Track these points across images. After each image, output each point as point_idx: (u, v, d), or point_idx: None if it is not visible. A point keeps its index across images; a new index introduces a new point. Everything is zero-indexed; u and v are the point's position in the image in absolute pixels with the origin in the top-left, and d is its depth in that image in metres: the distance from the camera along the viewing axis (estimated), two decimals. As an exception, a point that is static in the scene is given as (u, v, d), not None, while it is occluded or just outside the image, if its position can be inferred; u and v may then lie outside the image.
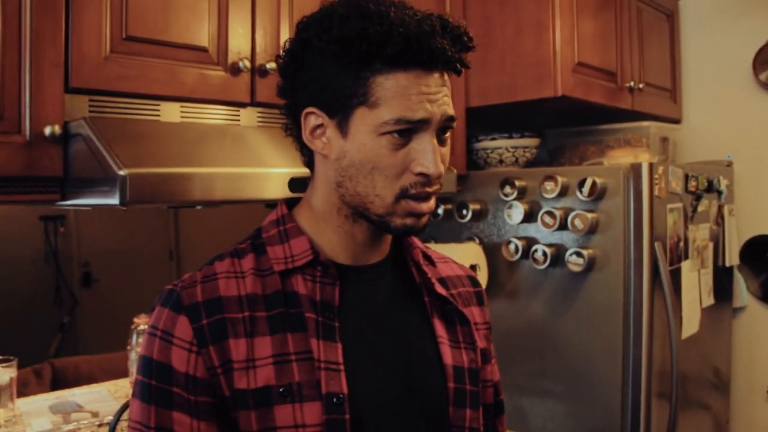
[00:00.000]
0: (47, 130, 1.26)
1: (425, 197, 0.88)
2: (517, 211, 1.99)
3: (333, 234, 0.93)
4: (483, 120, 2.24)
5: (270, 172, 1.44)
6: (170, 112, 1.46)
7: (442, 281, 1.03)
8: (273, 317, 0.86)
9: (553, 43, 1.94)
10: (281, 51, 0.94)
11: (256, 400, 0.82)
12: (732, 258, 2.36)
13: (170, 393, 0.83)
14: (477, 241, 2.10)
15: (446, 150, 0.90)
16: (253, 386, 0.82)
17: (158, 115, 1.43)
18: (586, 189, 1.86)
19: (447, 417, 0.94)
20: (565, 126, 2.45)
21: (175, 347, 0.83)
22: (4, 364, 1.79)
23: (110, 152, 1.17)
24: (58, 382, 2.75)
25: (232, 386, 0.82)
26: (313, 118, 0.89)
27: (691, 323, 2.05)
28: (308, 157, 0.96)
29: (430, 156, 0.85)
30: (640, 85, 2.33)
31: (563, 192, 1.91)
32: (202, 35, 1.49)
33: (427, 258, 1.04)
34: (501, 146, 2.18)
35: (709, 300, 2.20)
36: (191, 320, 0.84)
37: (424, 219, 0.90)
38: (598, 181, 1.85)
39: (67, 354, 3.96)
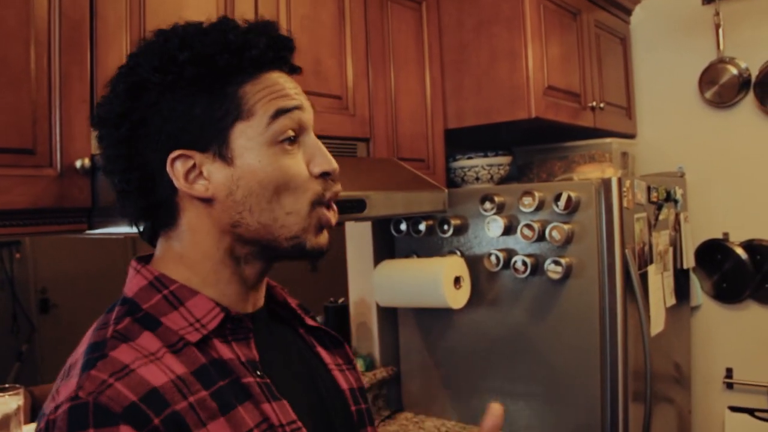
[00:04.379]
0: (78, 163, 1.33)
1: (332, 201, 0.83)
2: (497, 225, 2.12)
3: (227, 285, 0.81)
4: (457, 140, 2.38)
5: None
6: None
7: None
8: (216, 394, 0.73)
9: (526, 68, 2.10)
10: (93, 121, 0.83)
11: None
12: (688, 261, 2.56)
13: None
14: (459, 254, 2.23)
15: None
16: None
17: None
18: (561, 203, 2.01)
19: None
20: (532, 143, 2.61)
21: None
22: (11, 392, 1.82)
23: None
24: (38, 410, 2.75)
25: None
26: (180, 162, 0.77)
27: (657, 322, 2.22)
28: (164, 214, 0.81)
29: (324, 152, 0.82)
30: (601, 105, 2.52)
31: (540, 206, 2.06)
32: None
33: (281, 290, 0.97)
34: (477, 164, 2.32)
35: (671, 300, 2.39)
36: (136, 426, 0.65)
37: (328, 234, 0.84)
38: (573, 195, 2.01)
39: (26, 382, 3.91)
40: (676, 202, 2.47)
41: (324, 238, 0.83)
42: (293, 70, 0.86)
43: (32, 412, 2.83)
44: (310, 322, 0.95)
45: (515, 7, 2.11)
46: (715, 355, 2.75)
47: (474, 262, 2.20)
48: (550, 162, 2.53)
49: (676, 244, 2.49)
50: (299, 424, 0.77)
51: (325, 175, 0.81)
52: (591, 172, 2.25)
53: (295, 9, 1.75)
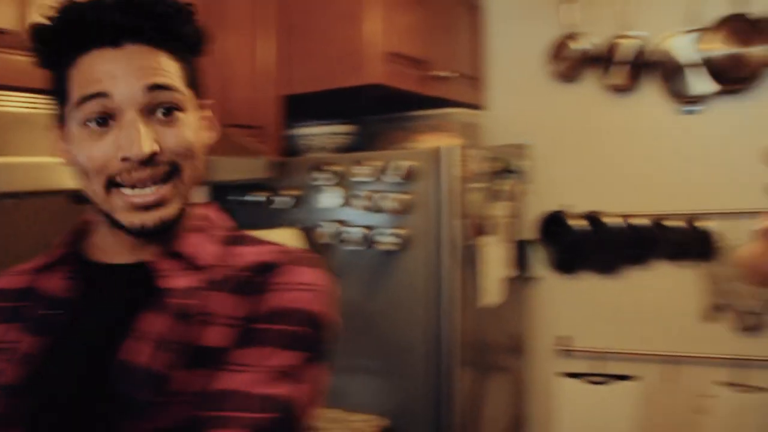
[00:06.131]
0: None
1: (139, 185, 0.82)
2: (331, 195, 2.06)
3: (106, 236, 0.90)
4: (305, 109, 2.29)
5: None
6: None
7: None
8: (6, 309, 0.91)
9: (365, 33, 2.03)
10: None
11: None
12: (529, 232, 2.60)
13: None
14: (294, 226, 2.15)
15: (179, 129, 0.83)
16: None
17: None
18: (396, 171, 1.97)
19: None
20: (382, 113, 2.56)
21: None
22: None
23: None
24: None
25: None
26: (55, 130, 0.88)
27: (493, 293, 2.24)
28: None
29: (130, 137, 0.79)
30: (450, 74, 2.48)
31: (374, 175, 2.01)
32: (5, 16, 1.40)
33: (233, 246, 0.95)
34: (316, 133, 2.24)
35: (510, 271, 2.42)
36: None
37: (157, 213, 0.83)
38: (407, 164, 1.97)
39: None
40: (517, 173, 2.49)
41: (139, 218, 0.83)
42: (151, 41, 0.84)
43: None
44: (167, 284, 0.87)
45: (355, -30, 2.03)
46: (554, 325, 2.83)
47: (309, 235, 2.12)
48: (394, 132, 2.48)
49: (516, 215, 2.52)
50: (16, 346, 0.85)
51: (126, 160, 0.81)
52: (430, 142, 2.22)
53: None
